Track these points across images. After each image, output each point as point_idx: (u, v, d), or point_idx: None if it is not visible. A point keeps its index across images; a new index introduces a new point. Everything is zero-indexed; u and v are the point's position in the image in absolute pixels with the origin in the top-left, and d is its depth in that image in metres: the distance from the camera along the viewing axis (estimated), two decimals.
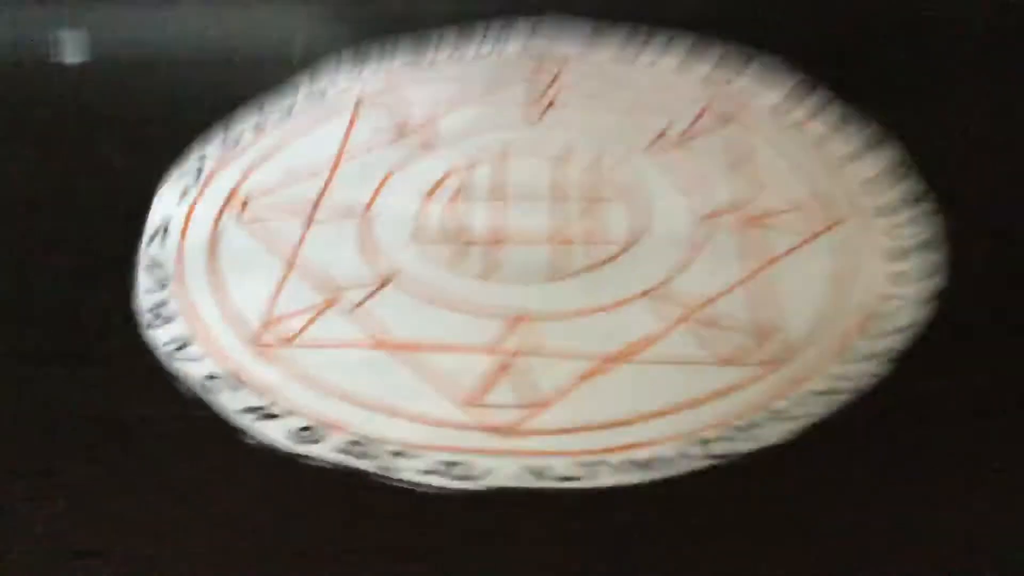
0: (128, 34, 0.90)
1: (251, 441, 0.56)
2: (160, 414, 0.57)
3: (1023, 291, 0.62)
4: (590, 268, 0.66)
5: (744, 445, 0.54)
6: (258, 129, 0.79)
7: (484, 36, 0.86)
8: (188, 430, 0.56)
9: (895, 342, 0.59)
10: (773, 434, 0.55)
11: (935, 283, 0.63)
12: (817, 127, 0.76)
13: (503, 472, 0.54)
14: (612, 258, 0.67)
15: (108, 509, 0.53)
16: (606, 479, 0.53)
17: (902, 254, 0.65)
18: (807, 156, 0.74)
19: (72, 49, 0.89)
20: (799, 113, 0.77)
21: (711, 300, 0.63)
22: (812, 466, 0.54)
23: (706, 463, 0.54)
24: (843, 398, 0.56)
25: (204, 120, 0.80)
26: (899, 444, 0.54)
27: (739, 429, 0.55)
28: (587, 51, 0.85)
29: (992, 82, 0.79)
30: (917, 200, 0.68)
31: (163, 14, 0.91)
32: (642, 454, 0.54)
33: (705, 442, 0.55)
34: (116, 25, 0.91)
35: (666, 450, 0.55)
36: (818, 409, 0.56)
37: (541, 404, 0.58)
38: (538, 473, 0.54)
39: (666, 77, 0.82)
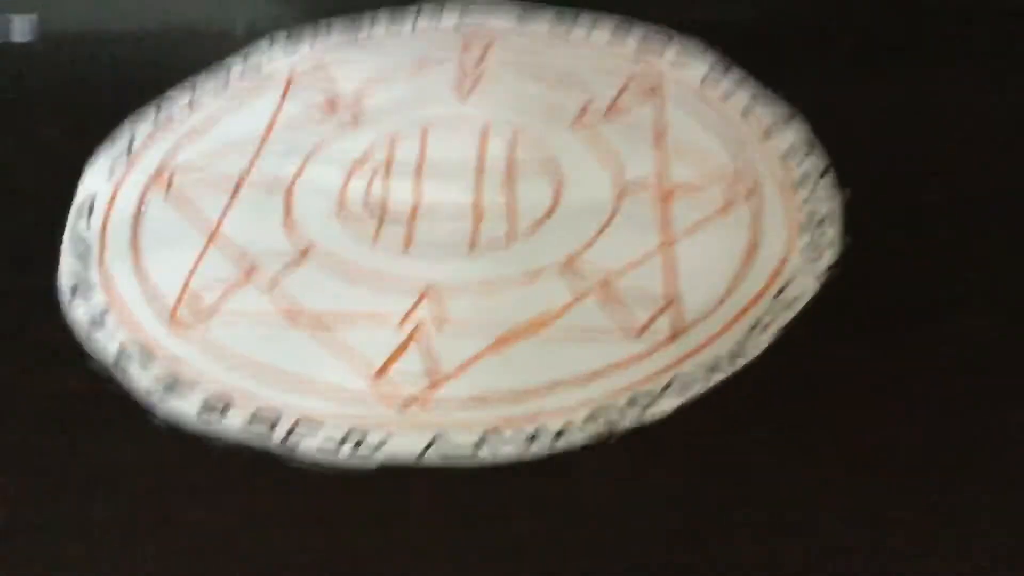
0: (70, 12, 0.91)
1: (159, 421, 0.57)
2: (73, 389, 0.59)
3: (915, 270, 0.63)
4: (505, 242, 0.68)
5: (637, 414, 0.56)
6: (190, 105, 0.80)
7: (416, 16, 0.87)
8: (97, 406, 0.58)
9: (787, 314, 0.61)
10: (665, 404, 0.57)
11: (831, 257, 0.64)
12: (734, 105, 0.77)
13: (403, 443, 0.56)
14: (527, 232, 0.68)
15: (15, 484, 0.54)
16: (506, 450, 0.55)
17: (806, 228, 0.67)
18: (725, 131, 0.75)
19: (20, 30, 0.90)
20: (717, 91, 0.79)
21: (621, 272, 0.65)
22: (700, 435, 0.56)
23: (599, 434, 0.56)
24: (734, 368, 0.58)
25: (139, 98, 0.81)
26: (782, 414, 0.56)
27: (633, 399, 0.57)
28: (515, 29, 0.86)
29: (894, 65, 0.81)
30: (822, 175, 0.70)
31: None
32: (536, 426, 0.56)
33: (599, 412, 0.56)
34: (60, 4, 0.92)
35: (560, 421, 0.56)
36: (711, 379, 0.58)
37: (446, 376, 0.59)
38: (434, 446, 0.56)
39: (591, 54, 0.83)
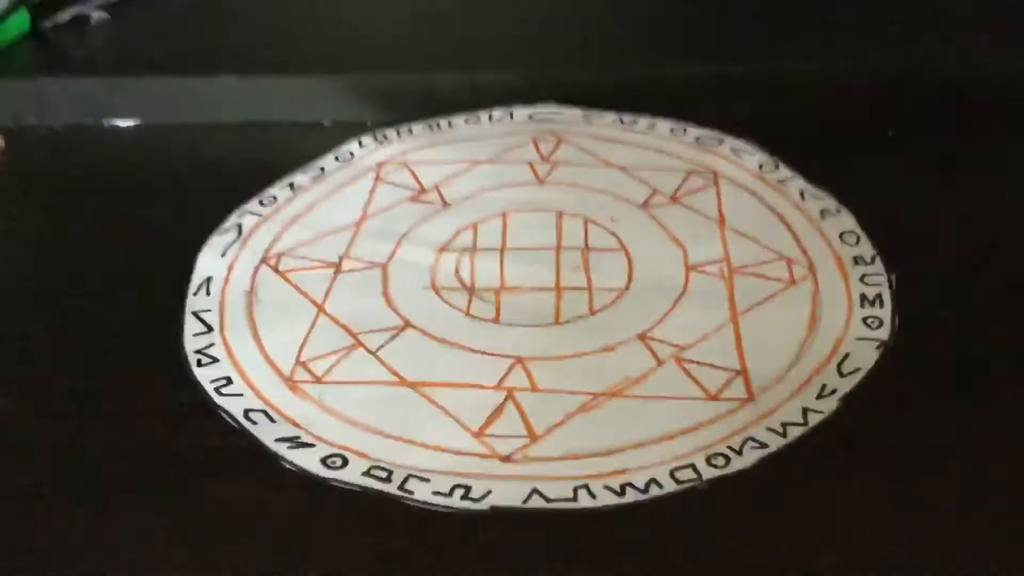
0: (173, 102, 1.00)
1: (288, 465, 0.64)
2: (206, 443, 0.66)
3: (960, 343, 0.70)
4: (585, 317, 0.74)
5: (711, 472, 0.62)
6: (291, 192, 0.88)
7: (491, 116, 0.96)
8: (231, 457, 0.65)
9: (848, 383, 0.67)
10: (737, 462, 0.63)
11: (886, 332, 0.71)
12: (788, 192, 0.85)
13: (503, 494, 0.62)
14: (605, 306, 0.75)
15: (155, 524, 0.61)
16: (590, 502, 0.61)
17: (862, 305, 0.73)
18: (782, 215, 0.82)
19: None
20: (771, 180, 0.86)
21: (693, 343, 0.71)
22: (777, 487, 0.61)
23: (682, 487, 0.62)
24: (800, 431, 0.64)
25: (238, 185, 0.89)
26: (845, 472, 0.62)
27: (708, 458, 0.63)
28: (583, 126, 0.94)
29: (932, 158, 0.90)
30: (872, 259, 0.77)
31: (204, 85, 1.00)
32: (623, 479, 0.62)
33: (676, 469, 0.62)
34: (163, 93, 1.01)
35: (641, 477, 0.62)
36: (778, 441, 0.64)
37: (538, 435, 0.66)
38: (530, 496, 0.62)
39: (653, 147, 0.91)
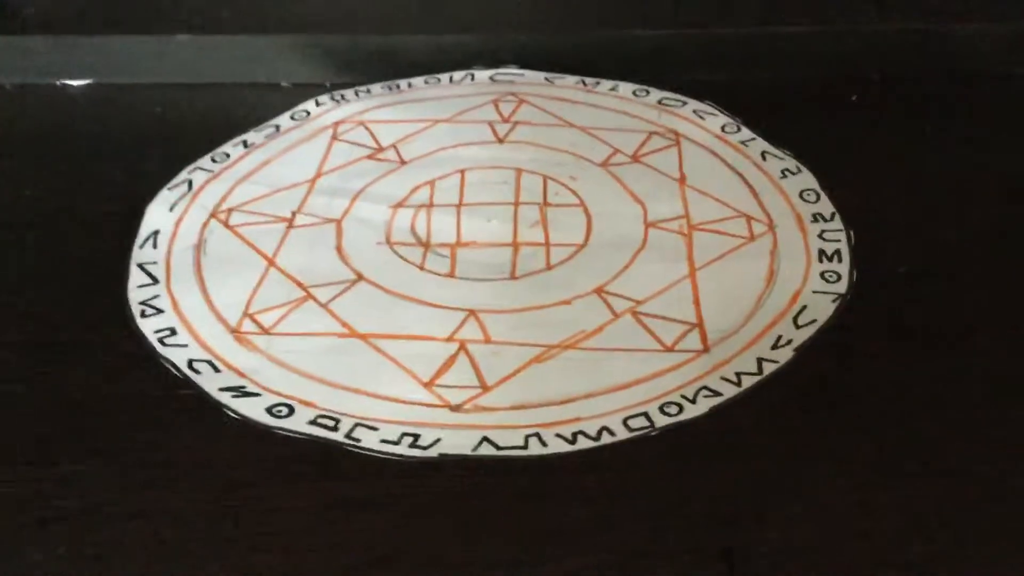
0: (127, 61, 0.98)
1: (232, 414, 0.62)
2: (149, 393, 0.64)
3: (913, 300, 0.70)
4: (538, 270, 0.73)
5: (663, 420, 0.61)
6: (244, 152, 0.87)
7: (451, 78, 0.95)
8: (175, 407, 0.63)
9: (803, 335, 0.66)
10: (689, 410, 0.62)
11: (841, 286, 0.70)
12: (749, 153, 0.84)
13: (452, 442, 0.61)
14: (563, 261, 0.74)
15: (97, 473, 0.59)
16: (541, 449, 0.60)
17: (819, 261, 0.73)
18: (742, 175, 0.82)
19: None
20: (733, 141, 0.86)
21: (652, 296, 0.70)
22: (730, 434, 0.61)
23: (635, 435, 0.61)
24: (753, 381, 0.63)
25: (191, 144, 0.87)
26: (796, 423, 0.61)
27: (660, 407, 0.62)
28: (545, 88, 0.93)
29: (892, 121, 0.90)
30: (831, 216, 0.77)
31: (159, 44, 0.98)
32: (575, 427, 0.61)
33: (629, 418, 0.61)
34: (116, 52, 0.99)
35: (592, 425, 0.61)
36: (731, 390, 0.63)
37: (488, 386, 0.64)
38: (480, 444, 0.60)
39: (617, 107, 0.90)
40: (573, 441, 0.60)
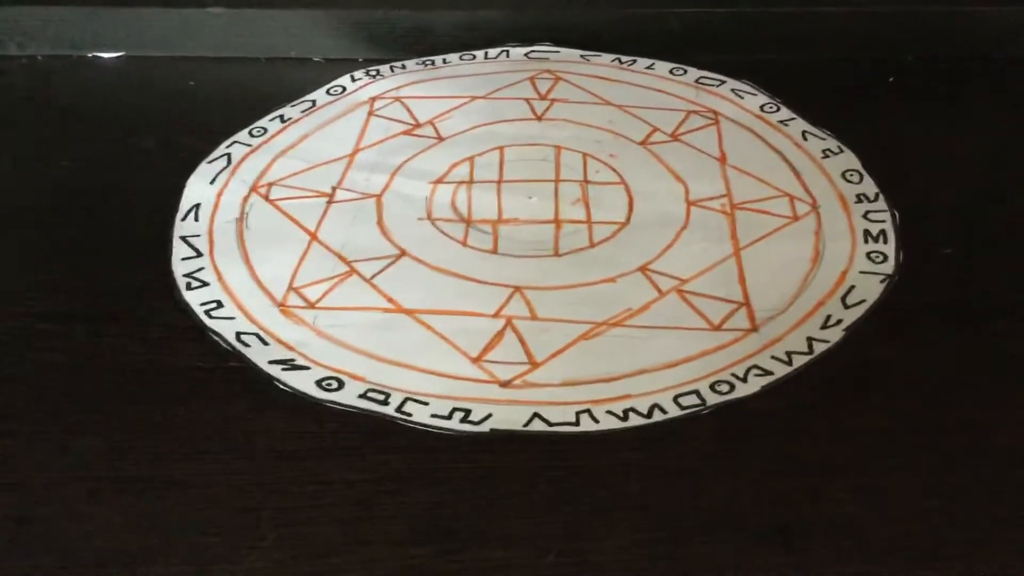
0: (159, 34, 0.97)
1: (283, 387, 0.62)
2: (198, 365, 0.64)
3: (961, 280, 0.70)
4: (582, 248, 0.73)
5: (715, 398, 0.61)
6: (281, 124, 0.86)
7: (486, 54, 0.94)
8: (223, 379, 0.63)
9: (852, 315, 0.66)
10: (741, 389, 0.62)
11: (888, 267, 0.70)
12: (790, 132, 0.84)
13: (503, 417, 0.61)
14: (606, 239, 0.74)
15: (149, 443, 0.59)
16: (593, 426, 0.60)
17: (865, 239, 0.72)
18: (784, 153, 0.81)
19: None
20: (773, 119, 0.85)
21: (697, 275, 0.70)
22: (780, 413, 0.60)
23: (686, 413, 0.60)
24: (804, 360, 0.63)
25: (230, 118, 0.87)
26: (846, 401, 0.61)
27: (711, 384, 0.62)
28: (581, 65, 0.93)
29: (931, 102, 0.90)
30: (875, 196, 0.76)
31: (192, 17, 0.97)
32: (627, 404, 0.61)
33: (680, 396, 0.61)
34: (148, 24, 0.98)
35: (643, 402, 0.61)
36: (782, 369, 0.63)
37: (537, 362, 0.64)
38: (530, 420, 0.60)
39: (654, 86, 0.90)
40: (624, 418, 0.60)
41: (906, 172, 0.79)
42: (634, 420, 0.60)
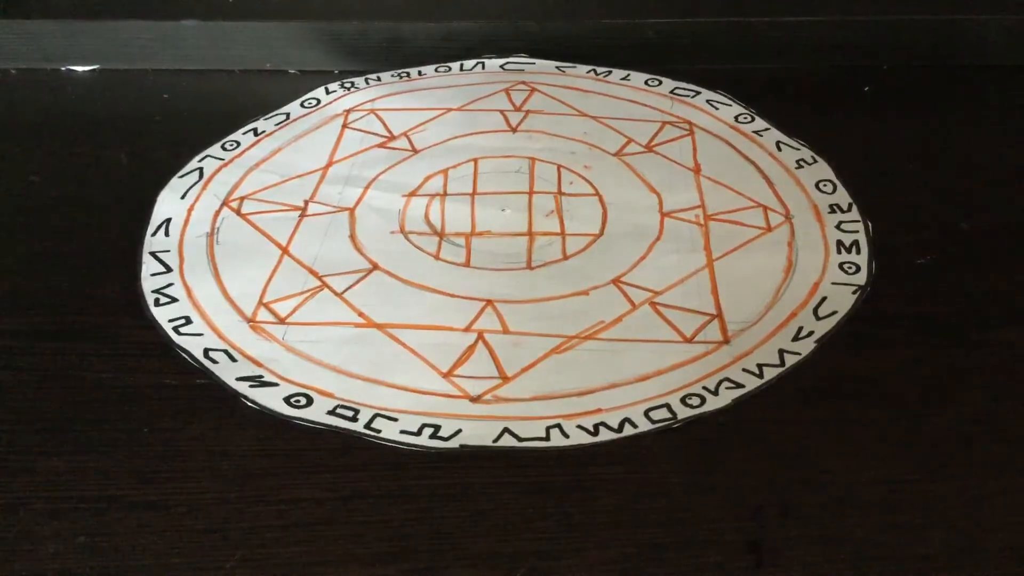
0: (133, 47, 0.97)
1: (250, 404, 0.61)
2: (164, 382, 0.63)
3: (933, 291, 0.70)
4: (555, 260, 0.73)
5: (686, 412, 0.61)
6: (255, 137, 0.86)
7: (462, 66, 0.94)
8: (190, 396, 0.62)
9: (824, 326, 0.66)
10: (712, 402, 0.61)
11: (861, 278, 0.70)
12: (763, 142, 0.84)
13: (473, 433, 0.60)
14: (579, 251, 0.73)
15: (112, 462, 0.58)
16: (563, 441, 0.59)
17: (838, 251, 0.72)
18: (758, 164, 0.81)
19: None
20: (747, 130, 0.85)
21: (670, 287, 0.70)
22: (752, 425, 0.60)
23: (657, 427, 0.60)
24: (776, 372, 0.63)
25: (204, 131, 0.87)
26: (820, 414, 0.61)
27: (683, 398, 0.62)
28: (556, 76, 0.92)
29: (904, 111, 0.90)
30: (848, 206, 0.76)
31: (166, 30, 0.96)
32: (593, 420, 0.61)
33: (651, 409, 0.61)
34: (123, 37, 0.97)
35: (615, 416, 0.61)
36: (754, 381, 0.62)
37: (507, 376, 0.64)
38: (501, 436, 0.60)
39: (629, 97, 0.90)
40: (595, 433, 0.60)
41: (880, 182, 0.79)
42: (605, 435, 0.60)
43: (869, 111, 0.90)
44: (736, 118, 0.87)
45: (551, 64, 0.94)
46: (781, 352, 0.64)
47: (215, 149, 0.84)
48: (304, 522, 0.55)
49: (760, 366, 0.63)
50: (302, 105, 0.90)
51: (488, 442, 0.59)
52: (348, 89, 0.92)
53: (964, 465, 0.58)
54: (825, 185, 0.79)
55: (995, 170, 0.82)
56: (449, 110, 0.88)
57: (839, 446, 0.59)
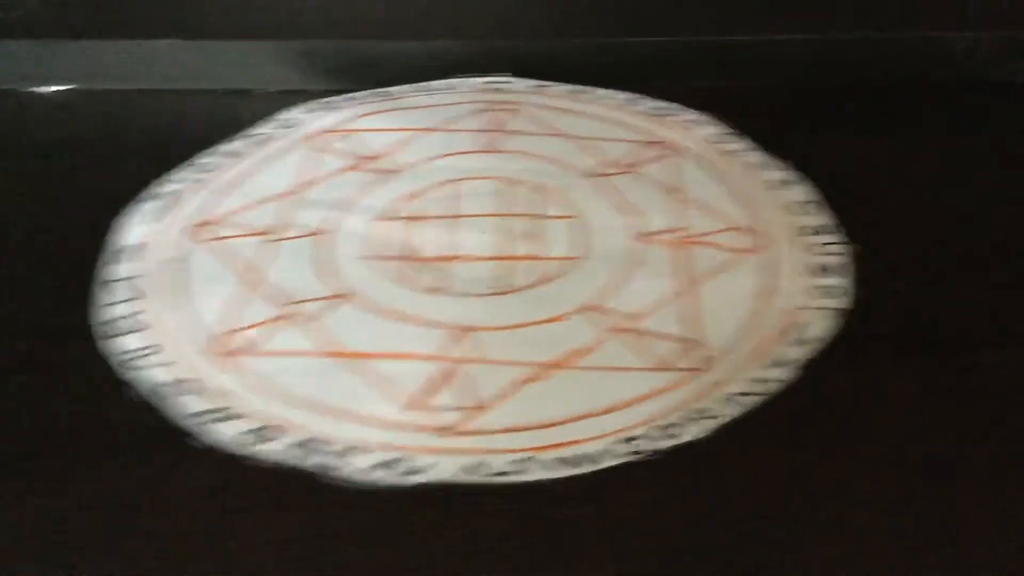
0: (107, 67, 0.95)
1: (197, 444, 0.59)
2: (119, 417, 0.61)
3: (917, 311, 0.68)
4: (532, 284, 0.71)
5: (665, 442, 0.59)
6: (225, 161, 0.84)
7: (440, 85, 0.93)
8: (147, 431, 0.60)
9: (805, 351, 0.64)
10: (692, 432, 0.60)
11: (843, 301, 0.68)
12: (743, 163, 0.82)
13: (444, 467, 0.58)
14: (556, 276, 0.72)
15: (76, 501, 0.57)
16: (536, 474, 0.58)
17: (817, 273, 0.71)
18: (737, 186, 0.80)
19: None
20: (726, 150, 0.84)
21: (647, 312, 0.68)
22: (729, 457, 0.59)
23: (629, 459, 0.58)
24: (756, 400, 0.61)
25: (171, 152, 0.85)
26: (803, 441, 0.59)
27: (661, 428, 0.60)
28: (535, 96, 0.91)
29: (887, 132, 0.88)
30: (829, 228, 0.75)
31: (141, 50, 0.95)
32: (570, 451, 0.59)
33: (629, 440, 0.59)
34: (96, 57, 0.96)
35: (592, 447, 0.59)
36: (734, 410, 0.61)
37: (480, 407, 0.62)
38: (473, 469, 0.58)
39: (608, 117, 0.88)
40: (572, 464, 0.58)
41: (861, 203, 0.78)
42: (579, 466, 0.58)
43: (850, 131, 0.88)
44: (716, 138, 0.86)
45: (530, 83, 0.93)
46: (760, 380, 0.63)
47: (186, 171, 0.83)
48: (268, 564, 0.53)
49: (740, 393, 0.62)
50: (280, 125, 0.89)
51: (460, 476, 0.58)
52: (327, 108, 0.90)
53: (949, 486, 0.56)
54: (805, 207, 0.77)
55: (978, 189, 0.80)
56: (427, 130, 0.87)
57: (821, 472, 0.57)
